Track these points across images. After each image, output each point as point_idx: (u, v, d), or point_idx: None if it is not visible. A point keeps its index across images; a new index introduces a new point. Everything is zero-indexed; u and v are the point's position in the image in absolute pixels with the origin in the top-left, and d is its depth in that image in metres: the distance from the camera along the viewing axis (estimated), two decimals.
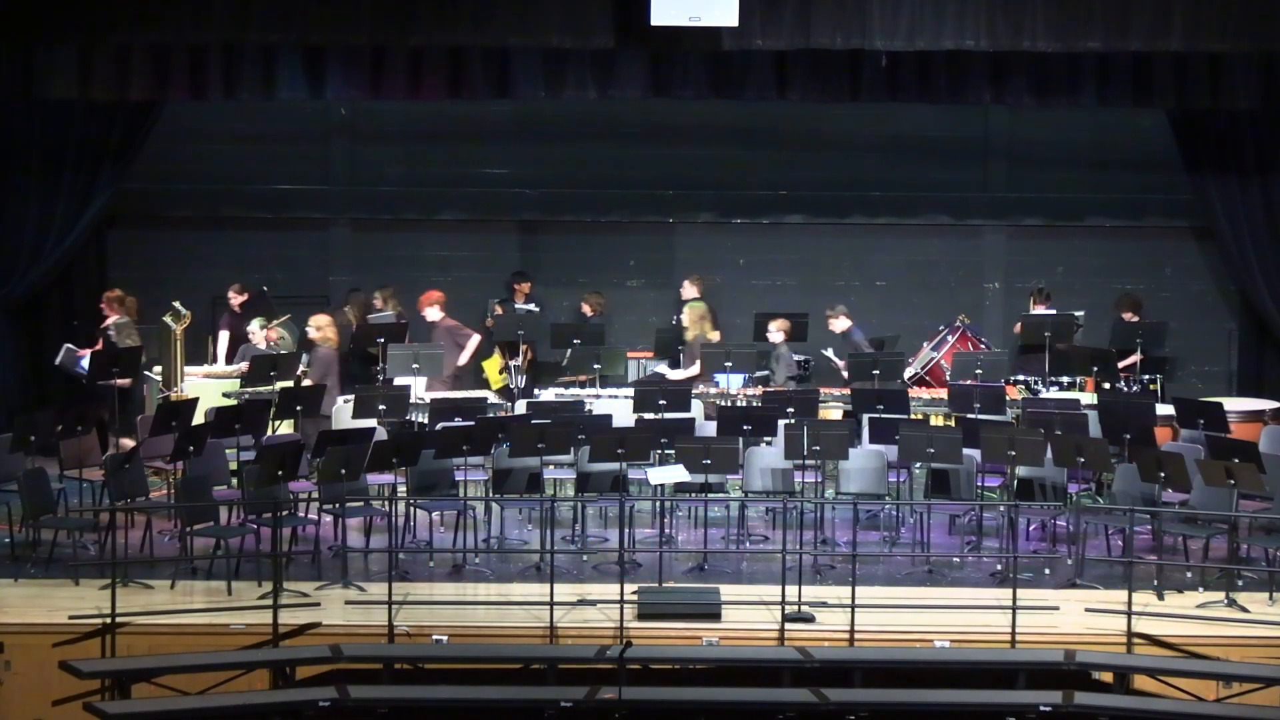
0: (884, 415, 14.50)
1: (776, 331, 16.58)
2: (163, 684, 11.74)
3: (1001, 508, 14.04)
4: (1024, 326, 16.67)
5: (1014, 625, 12.13)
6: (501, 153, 18.75)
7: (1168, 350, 17.06)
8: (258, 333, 16.36)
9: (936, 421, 15.51)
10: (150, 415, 14.80)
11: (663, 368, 17.20)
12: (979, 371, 15.74)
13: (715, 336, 17.05)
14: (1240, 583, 13.08)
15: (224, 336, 17.27)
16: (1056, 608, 12.53)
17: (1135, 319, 17.03)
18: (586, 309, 17.73)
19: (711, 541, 14.22)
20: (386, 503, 14.06)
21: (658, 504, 14.05)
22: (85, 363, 16.20)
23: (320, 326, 16.08)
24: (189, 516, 13.26)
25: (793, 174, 18.73)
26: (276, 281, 18.47)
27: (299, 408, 14.74)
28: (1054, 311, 17.11)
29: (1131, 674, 11.87)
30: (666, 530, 14.26)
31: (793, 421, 14.06)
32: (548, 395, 16.10)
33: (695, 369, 16.38)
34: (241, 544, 13.44)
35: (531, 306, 17.79)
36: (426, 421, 14.91)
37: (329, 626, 12.25)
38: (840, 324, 16.85)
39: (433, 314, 16.78)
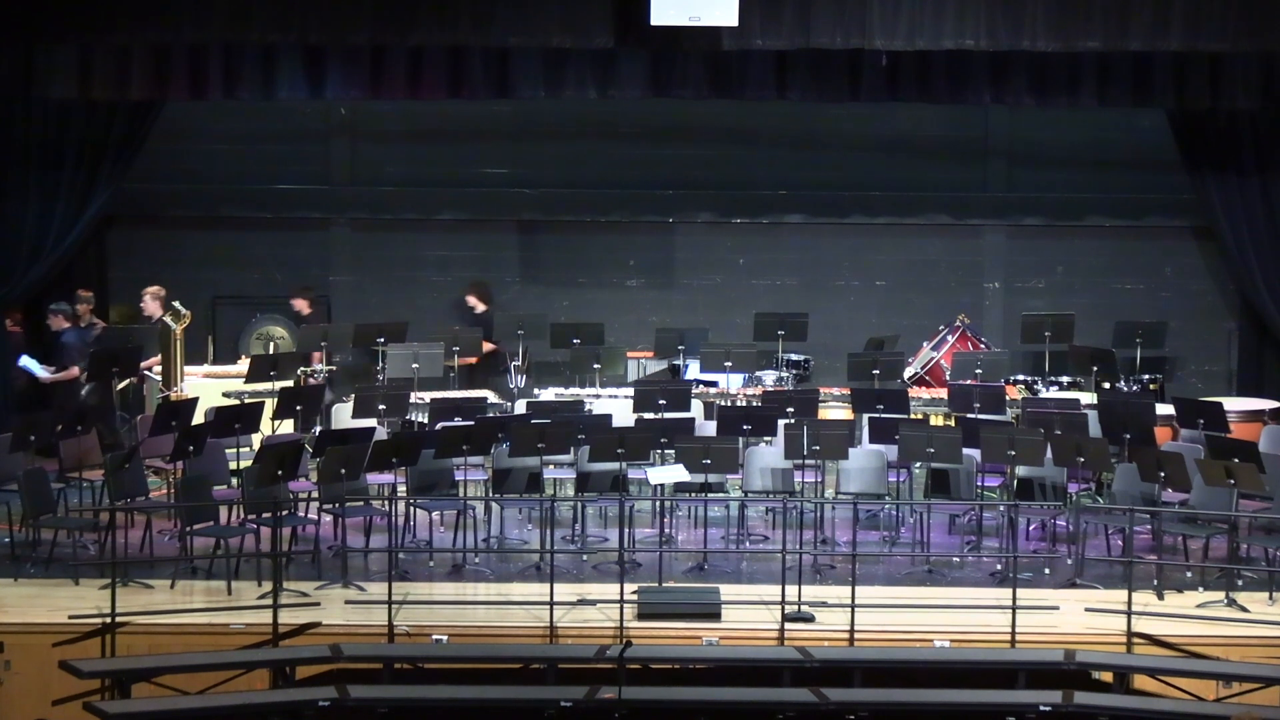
0: (884, 415, 14.50)
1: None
2: (163, 684, 11.74)
3: (1001, 508, 14.03)
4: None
5: (1014, 625, 12.14)
6: (501, 153, 18.71)
7: (1167, 350, 17.07)
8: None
9: (936, 421, 15.51)
10: (150, 415, 14.80)
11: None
12: (979, 371, 15.76)
13: None
14: (1240, 583, 13.08)
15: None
16: (1056, 608, 12.53)
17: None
18: None
19: (711, 541, 14.22)
20: (386, 502, 14.05)
21: (658, 504, 14.05)
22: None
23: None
24: (189, 516, 13.26)
25: (793, 174, 18.69)
26: (276, 282, 18.45)
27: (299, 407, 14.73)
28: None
29: (1131, 674, 11.88)
30: (666, 530, 14.25)
31: (792, 421, 14.06)
32: (548, 395, 16.09)
33: None
34: (241, 544, 13.43)
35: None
36: (426, 421, 14.90)
37: (329, 626, 12.25)
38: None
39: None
